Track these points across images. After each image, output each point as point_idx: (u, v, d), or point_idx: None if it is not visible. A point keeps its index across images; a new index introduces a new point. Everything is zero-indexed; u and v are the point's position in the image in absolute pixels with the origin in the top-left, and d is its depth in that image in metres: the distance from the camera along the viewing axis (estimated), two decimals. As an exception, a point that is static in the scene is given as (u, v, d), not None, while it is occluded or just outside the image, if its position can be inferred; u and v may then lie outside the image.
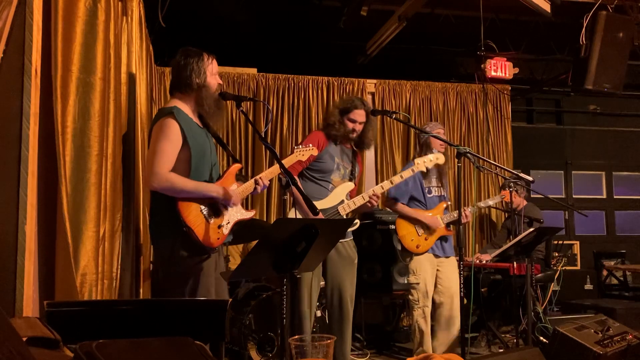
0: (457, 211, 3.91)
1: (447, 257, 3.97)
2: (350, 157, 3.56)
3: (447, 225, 3.98)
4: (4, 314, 1.16)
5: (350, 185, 3.51)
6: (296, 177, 3.33)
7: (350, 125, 3.44)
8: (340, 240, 3.44)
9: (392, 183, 3.53)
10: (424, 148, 4.00)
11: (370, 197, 3.41)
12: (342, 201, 3.42)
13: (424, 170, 3.68)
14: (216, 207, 2.60)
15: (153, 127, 2.58)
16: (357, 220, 3.52)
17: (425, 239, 3.93)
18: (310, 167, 3.48)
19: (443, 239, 3.97)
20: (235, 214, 2.68)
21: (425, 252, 3.93)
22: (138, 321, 1.81)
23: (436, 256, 3.96)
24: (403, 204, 3.97)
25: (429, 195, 4.01)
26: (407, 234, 3.95)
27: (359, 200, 3.43)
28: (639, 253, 7.09)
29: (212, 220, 2.55)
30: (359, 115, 3.44)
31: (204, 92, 2.64)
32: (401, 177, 3.57)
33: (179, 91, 2.65)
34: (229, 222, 2.63)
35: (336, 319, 3.48)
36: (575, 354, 3.00)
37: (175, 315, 1.90)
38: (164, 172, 2.47)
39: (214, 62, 2.75)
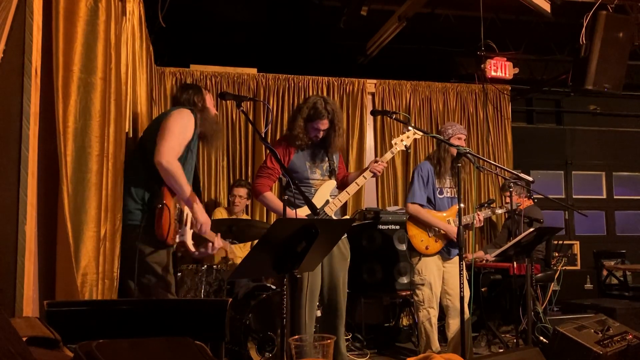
0: (470, 215, 3.94)
1: (453, 258, 3.95)
2: (321, 153, 3.50)
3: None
4: (4, 314, 1.16)
5: (331, 184, 3.48)
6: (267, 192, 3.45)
7: (313, 133, 3.41)
8: None
9: (371, 172, 3.47)
10: (442, 149, 3.96)
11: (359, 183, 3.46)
12: (327, 201, 3.42)
13: (403, 148, 3.57)
14: (181, 217, 2.75)
15: (171, 113, 2.73)
16: (347, 217, 3.52)
17: (435, 241, 3.91)
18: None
19: (452, 241, 3.93)
20: (188, 234, 2.78)
21: (435, 254, 3.92)
22: (138, 321, 1.81)
23: (444, 259, 3.95)
24: (423, 205, 3.94)
25: (439, 196, 3.97)
26: (417, 234, 3.93)
27: (343, 197, 3.44)
28: (639, 253, 7.09)
29: (176, 223, 2.71)
30: (323, 124, 3.39)
31: (206, 113, 2.88)
32: (381, 162, 3.49)
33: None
34: (182, 235, 2.74)
35: (331, 315, 3.49)
36: (575, 354, 3.00)
37: (175, 315, 1.90)
38: (174, 155, 2.61)
39: (210, 95, 3.00)
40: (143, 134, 2.92)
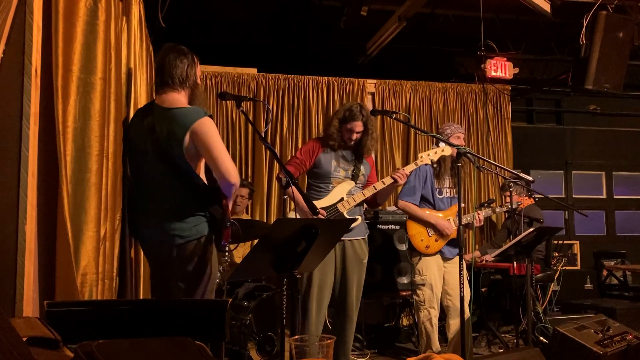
0: (470, 214, 3.94)
1: (453, 258, 3.95)
2: (351, 157, 3.57)
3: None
4: (4, 314, 1.16)
5: (350, 184, 3.51)
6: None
7: (347, 135, 3.49)
8: (353, 238, 3.47)
9: (392, 178, 3.49)
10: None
11: (374, 189, 3.47)
12: (342, 199, 3.44)
13: (429, 162, 3.64)
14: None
15: (196, 129, 2.46)
16: (358, 216, 3.53)
17: (436, 240, 3.91)
18: (309, 174, 3.55)
19: (453, 241, 3.92)
20: None
21: (435, 253, 3.91)
22: (138, 321, 1.81)
23: (444, 259, 3.95)
24: (415, 204, 3.94)
25: (439, 196, 3.97)
26: (417, 234, 3.93)
27: (358, 197, 3.45)
28: (639, 253, 7.09)
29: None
30: (357, 126, 3.46)
31: (198, 89, 2.68)
32: (403, 170, 3.52)
33: (172, 88, 2.61)
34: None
35: (340, 316, 3.49)
36: (575, 354, 3.00)
37: (175, 315, 1.90)
38: (235, 168, 2.53)
39: (199, 64, 2.78)
40: (157, 139, 2.58)
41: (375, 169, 3.78)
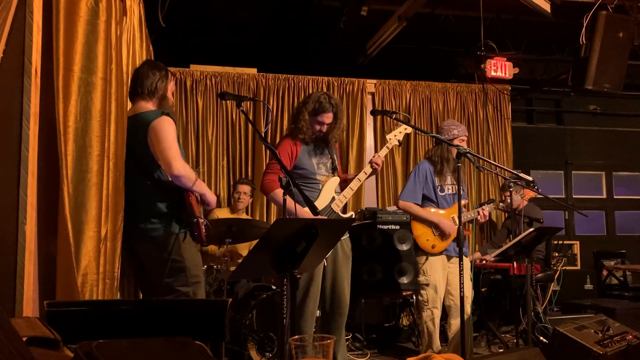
0: (474, 210, 3.94)
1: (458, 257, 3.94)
2: (324, 149, 3.52)
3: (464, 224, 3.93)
4: (4, 314, 1.16)
5: (335, 180, 3.49)
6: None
7: (317, 127, 3.43)
8: (342, 237, 3.46)
9: (371, 167, 3.46)
10: (444, 147, 3.96)
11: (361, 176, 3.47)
12: (333, 198, 3.43)
13: (396, 144, 3.60)
14: (205, 212, 2.81)
15: (153, 127, 2.69)
16: (352, 213, 3.52)
17: (442, 239, 3.90)
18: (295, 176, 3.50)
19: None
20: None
21: (442, 252, 3.91)
22: (138, 321, 1.81)
23: (449, 257, 3.95)
24: (417, 204, 3.94)
25: (441, 194, 3.96)
26: (423, 234, 3.92)
27: (348, 193, 3.45)
28: (639, 253, 7.09)
29: (203, 217, 2.79)
30: (328, 117, 3.41)
31: (165, 102, 2.86)
32: (379, 156, 3.50)
33: (141, 97, 2.81)
34: (205, 221, 2.80)
35: (336, 315, 3.49)
36: (575, 354, 3.00)
37: (175, 315, 1.90)
38: (182, 160, 2.68)
39: (173, 83, 2.98)
40: (128, 145, 2.75)
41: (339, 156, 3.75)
